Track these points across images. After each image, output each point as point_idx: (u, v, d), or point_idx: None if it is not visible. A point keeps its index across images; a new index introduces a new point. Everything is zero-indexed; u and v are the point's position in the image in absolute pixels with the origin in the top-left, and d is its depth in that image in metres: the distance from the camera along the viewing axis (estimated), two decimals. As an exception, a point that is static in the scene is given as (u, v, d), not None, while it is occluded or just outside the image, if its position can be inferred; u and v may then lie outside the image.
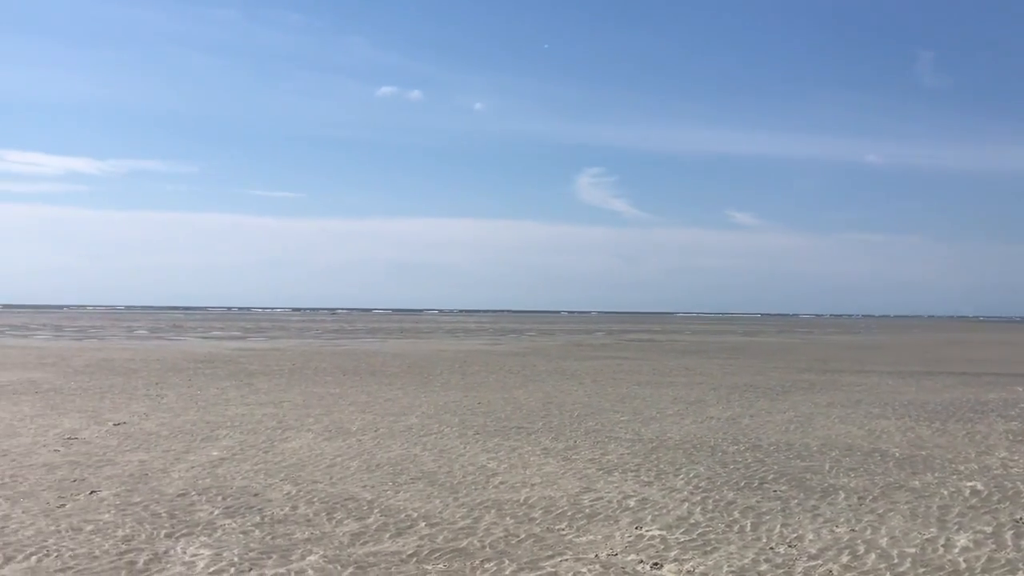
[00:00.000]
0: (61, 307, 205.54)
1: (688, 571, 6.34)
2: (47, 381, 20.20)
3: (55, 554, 6.49)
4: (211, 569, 6.20)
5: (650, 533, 7.36)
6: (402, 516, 7.85)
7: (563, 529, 7.46)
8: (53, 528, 7.21)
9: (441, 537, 7.15)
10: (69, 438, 11.97)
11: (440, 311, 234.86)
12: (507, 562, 6.49)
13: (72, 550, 6.59)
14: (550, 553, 6.74)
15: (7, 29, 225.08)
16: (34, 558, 6.38)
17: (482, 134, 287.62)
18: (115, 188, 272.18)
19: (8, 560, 6.31)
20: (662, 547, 6.95)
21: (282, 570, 6.21)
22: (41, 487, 8.80)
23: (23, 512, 7.73)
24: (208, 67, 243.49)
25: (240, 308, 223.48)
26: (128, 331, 59.52)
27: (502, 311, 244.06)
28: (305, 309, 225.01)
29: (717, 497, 8.77)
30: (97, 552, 6.56)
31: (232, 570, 6.19)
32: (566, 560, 6.57)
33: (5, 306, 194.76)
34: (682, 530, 7.48)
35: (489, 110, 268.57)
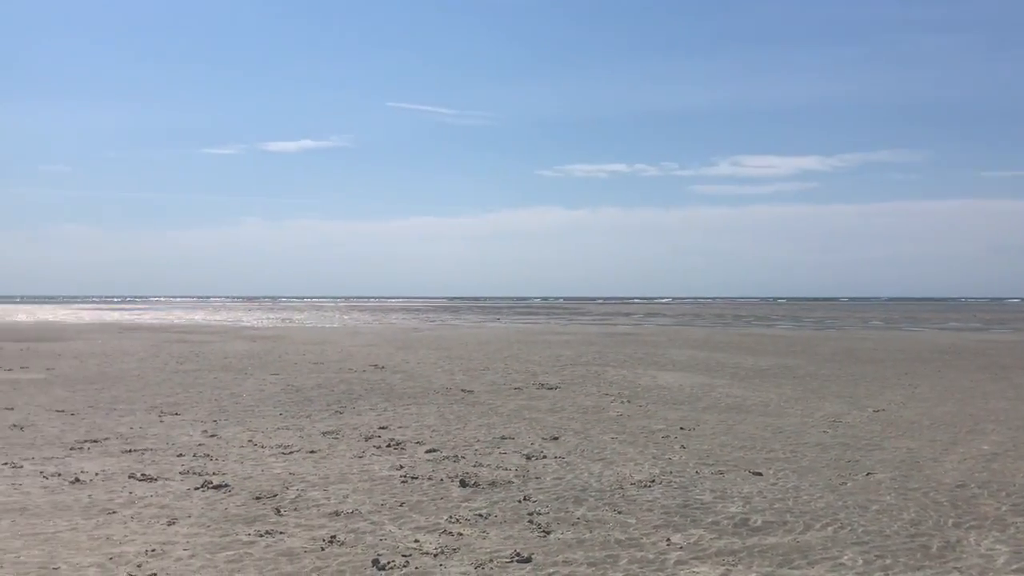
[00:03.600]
0: (797, 299, 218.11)
1: None
2: (800, 367, 21.58)
3: (848, 527, 6.86)
4: (1013, 567, 5.89)
5: None
6: None
7: None
8: (840, 503, 7.64)
9: None
10: (833, 421, 12.57)
11: None
12: None
13: (863, 526, 6.90)
14: None
15: (765, 40, 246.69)
16: (830, 528, 6.84)
17: None
18: (843, 183, 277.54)
19: (808, 527, 6.87)
20: None
21: (1100, 582, 5.59)
22: (819, 464, 9.40)
23: (810, 485, 8.35)
24: (940, 48, 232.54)
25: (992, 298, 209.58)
26: (863, 321, 60.37)
27: None
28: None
29: None
30: (887, 531, 6.75)
31: (1039, 572, 5.79)
32: None
33: (762, 299, 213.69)
34: None
35: None
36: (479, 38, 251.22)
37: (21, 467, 8.89)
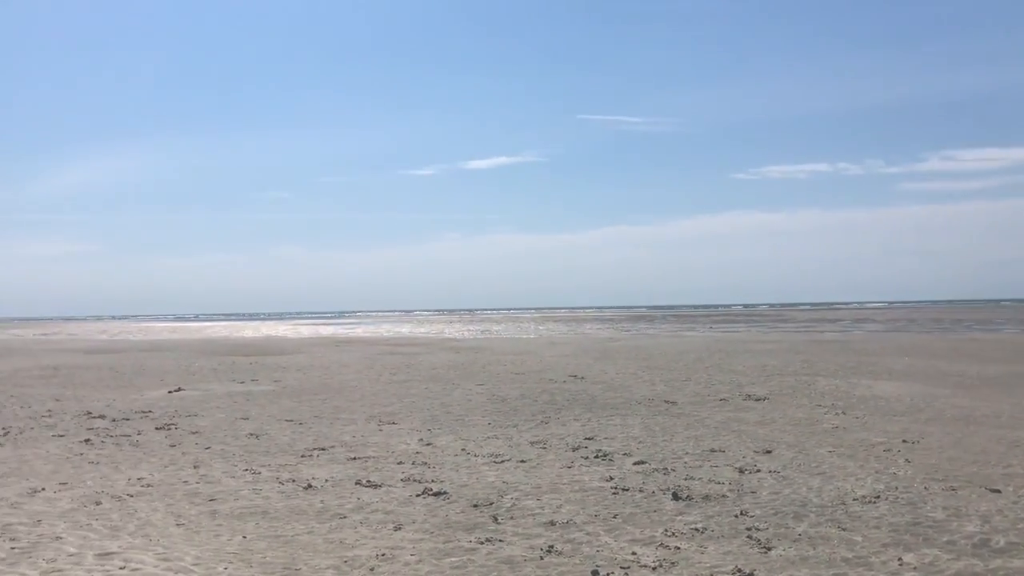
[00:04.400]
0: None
1: None
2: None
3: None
4: None
5: None
6: None
7: None
8: (1096, 525, 6.97)
9: None
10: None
11: None
12: None
13: None
14: None
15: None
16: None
17: None
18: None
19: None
20: None
21: None
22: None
23: (1057, 504, 7.67)
24: None
25: None
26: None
27: None
28: None
29: None
30: None
31: None
32: None
33: (983, 301, 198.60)
34: None
35: None
36: (665, 45, 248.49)
37: (259, 473, 9.62)
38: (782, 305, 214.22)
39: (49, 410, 15.53)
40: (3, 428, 13.25)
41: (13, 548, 6.73)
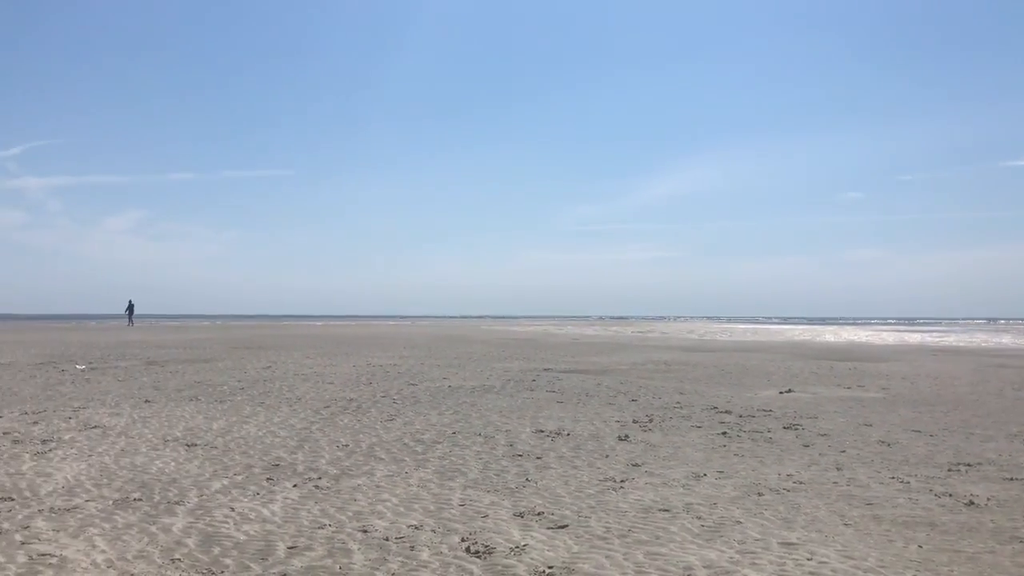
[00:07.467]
0: None
1: None
2: None
3: None
4: None
5: None
6: None
7: None
8: None
9: None
10: None
11: None
12: None
13: None
14: None
15: None
16: None
17: None
18: None
19: None
20: None
21: None
22: None
23: None
24: None
25: None
26: None
27: None
28: None
29: None
30: None
31: None
32: None
33: None
34: None
35: None
36: None
37: (908, 483, 9.41)
38: None
39: (678, 402, 17.09)
40: (647, 415, 14.93)
41: (702, 526, 7.54)
